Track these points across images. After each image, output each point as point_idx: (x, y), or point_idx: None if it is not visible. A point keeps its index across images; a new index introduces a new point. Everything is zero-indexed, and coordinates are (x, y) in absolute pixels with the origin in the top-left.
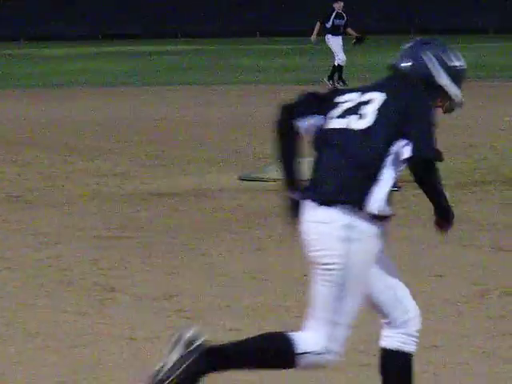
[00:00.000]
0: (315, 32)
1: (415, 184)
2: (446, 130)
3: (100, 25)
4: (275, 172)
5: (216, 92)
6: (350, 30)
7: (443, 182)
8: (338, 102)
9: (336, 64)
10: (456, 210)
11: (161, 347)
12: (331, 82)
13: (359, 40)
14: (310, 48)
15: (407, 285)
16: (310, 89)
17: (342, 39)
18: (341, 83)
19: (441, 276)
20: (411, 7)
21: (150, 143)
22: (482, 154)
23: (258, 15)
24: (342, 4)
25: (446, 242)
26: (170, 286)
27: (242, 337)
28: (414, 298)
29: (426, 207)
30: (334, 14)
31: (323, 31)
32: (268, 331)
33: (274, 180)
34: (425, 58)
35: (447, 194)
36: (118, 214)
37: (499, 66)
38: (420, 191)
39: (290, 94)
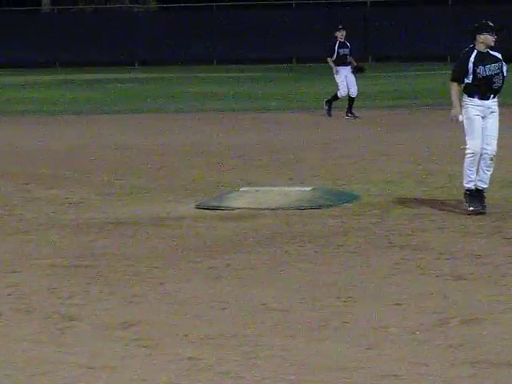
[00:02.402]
0: (333, 66)
1: (374, 212)
2: (404, 158)
3: (56, 52)
4: (233, 200)
5: (173, 120)
6: (351, 59)
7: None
8: None
9: (338, 95)
10: (415, 239)
11: (119, 376)
12: (350, 115)
13: (359, 69)
14: (266, 77)
15: (366, 313)
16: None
17: (352, 67)
18: (350, 115)
19: (400, 304)
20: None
21: (108, 171)
22: (440, 182)
23: (215, 43)
24: (344, 32)
25: (405, 270)
26: (128, 315)
27: (200, 366)
28: (372, 327)
29: (383, 234)
30: (337, 43)
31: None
32: None
33: (232, 208)
34: None
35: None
36: (75, 242)
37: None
38: (379, 220)
39: (248, 121)
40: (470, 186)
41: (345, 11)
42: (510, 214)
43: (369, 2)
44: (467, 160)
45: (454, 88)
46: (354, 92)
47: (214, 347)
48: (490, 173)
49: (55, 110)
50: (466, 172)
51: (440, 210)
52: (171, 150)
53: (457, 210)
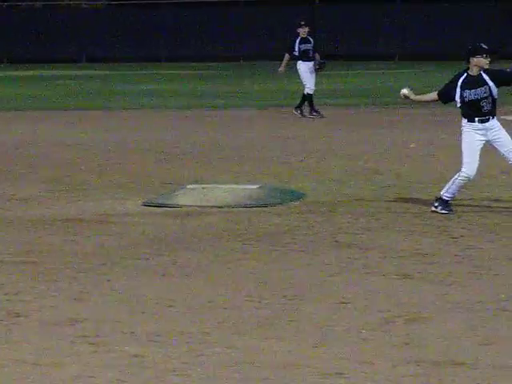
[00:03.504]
0: (283, 64)
1: (321, 210)
2: (352, 157)
3: (4, 48)
4: (180, 198)
5: (120, 117)
6: (316, 55)
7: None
8: None
9: (305, 93)
10: (362, 237)
11: (65, 373)
12: (299, 111)
13: (320, 67)
14: (213, 74)
15: (312, 311)
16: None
17: (314, 65)
18: (315, 114)
19: (346, 303)
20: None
21: (54, 168)
22: (388, 180)
23: (163, 41)
24: (306, 29)
25: (352, 269)
26: (74, 312)
27: (146, 363)
28: (318, 325)
29: (329, 232)
30: (298, 39)
31: (294, 59)
32: None
33: (179, 206)
34: None
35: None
36: (22, 238)
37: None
38: (326, 218)
39: (195, 119)
40: (450, 199)
41: (291, 9)
42: (456, 213)
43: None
44: (459, 181)
45: (431, 94)
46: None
47: (160, 344)
48: None
49: (2, 107)
50: (453, 190)
51: (387, 209)
52: (118, 147)
53: (403, 209)
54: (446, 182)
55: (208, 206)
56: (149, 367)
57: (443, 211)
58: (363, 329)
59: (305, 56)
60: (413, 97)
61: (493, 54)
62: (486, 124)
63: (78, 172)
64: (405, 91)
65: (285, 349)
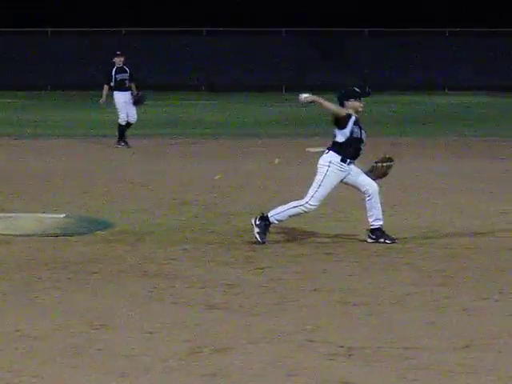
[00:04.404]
0: (103, 95)
1: (128, 240)
2: (160, 187)
3: None
4: None
5: None
6: (132, 86)
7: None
8: None
9: (119, 123)
10: (169, 267)
11: None
12: (123, 143)
13: (138, 99)
14: (25, 103)
15: (119, 341)
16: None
17: (132, 95)
18: (122, 144)
19: (152, 333)
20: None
21: None
22: (195, 211)
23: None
24: (122, 58)
25: (158, 298)
26: None
27: None
28: (125, 355)
29: (136, 262)
30: (114, 69)
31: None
32: None
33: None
34: None
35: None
36: None
37: (214, 123)
38: (133, 248)
39: (2, 147)
40: (276, 223)
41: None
42: (262, 244)
43: (124, 31)
44: (298, 210)
45: (341, 109)
46: (132, 119)
47: None
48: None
49: None
50: (285, 216)
51: (194, 239)
52: None
53: (210, 240)
54: (274, 207)
55: (15, 235)
56: None
57: (389, 240)
58: (170, 358)
59: (121, 86)
60: (322, 101)
61: (366, 97)
62: (351, 166)
63: None
64: (306, 95)
65: (92, 378)
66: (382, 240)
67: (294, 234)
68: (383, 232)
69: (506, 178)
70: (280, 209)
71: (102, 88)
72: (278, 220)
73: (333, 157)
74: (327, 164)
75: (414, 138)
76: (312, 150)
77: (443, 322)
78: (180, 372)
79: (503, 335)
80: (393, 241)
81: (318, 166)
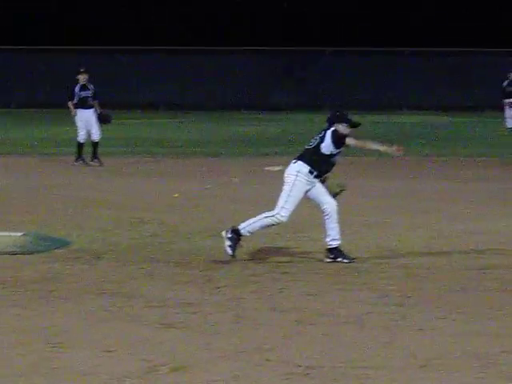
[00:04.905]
0: (72, 110)
1: (86, 258)
2: (118, 206)
3: None
4: None
5: None
6: (96, 103)
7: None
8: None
9: (78, 141)
10: (126, 286)
11: None
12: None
13: (105, 119)
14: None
15: (76, 359)
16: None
17: (96, 113)
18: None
19: (110, 351)
20: None
21: None
22: (153, 230)
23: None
24: (86, 76)
25: (116, 317)
26: None
27: None
28: (82, 373)
29: (94, 280)
30: (77, 86)
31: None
32: None
33: None
34: None
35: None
36: None
37: (181, 142)
38: (90, 266)
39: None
40: (247, 235)
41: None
42: (219, 263)
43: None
44: (269, 221)
45: (358, 140)
46: (96, 136)
47: None
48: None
49: None
50: (256, 227)
51: (151, 258)
52: None
53: (168, 259)
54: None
55: None
56: None
57: (347, 260)
58: (127, 377)
59: (84, 104)
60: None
61: (355, 127)
62: (315, 180)
63: None
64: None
65: None
66: (339, 259)
67: (252, 253)
68: (341, 251)
69: (462, 197)
70: (251, 220)
71: (66, 106)
72: (249, 232)
73: (301, 167)
74: (295, 173)
75: (373, 158)
76: (271, 169)
77: (400, 341)
78: None
79: (459, 355)
80: (350, 260)
81: (285, 176)
